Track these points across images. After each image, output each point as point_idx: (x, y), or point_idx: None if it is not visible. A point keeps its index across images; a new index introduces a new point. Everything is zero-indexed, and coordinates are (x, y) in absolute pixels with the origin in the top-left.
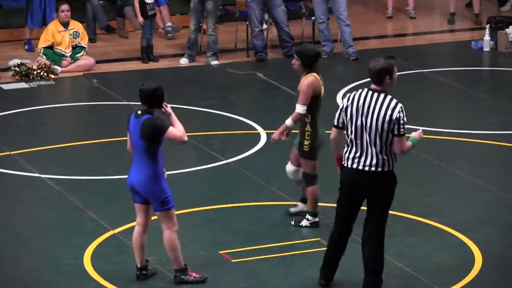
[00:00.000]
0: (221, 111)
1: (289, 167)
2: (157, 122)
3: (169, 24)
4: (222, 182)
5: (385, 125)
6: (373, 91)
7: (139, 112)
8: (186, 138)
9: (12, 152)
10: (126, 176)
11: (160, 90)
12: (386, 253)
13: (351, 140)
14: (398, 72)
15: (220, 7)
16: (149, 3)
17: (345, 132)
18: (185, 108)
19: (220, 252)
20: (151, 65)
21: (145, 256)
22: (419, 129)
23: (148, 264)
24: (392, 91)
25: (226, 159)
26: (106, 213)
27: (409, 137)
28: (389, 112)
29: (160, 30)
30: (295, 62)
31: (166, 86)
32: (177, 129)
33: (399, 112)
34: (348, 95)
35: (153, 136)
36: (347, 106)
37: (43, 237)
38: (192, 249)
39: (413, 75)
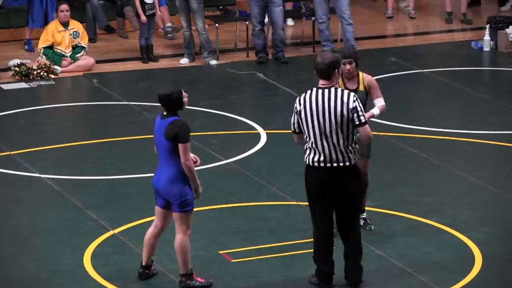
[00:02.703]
0: (221, 111)
1: None
2: (184, 128)
3: (169, 24)
4: (222, 182)
5: (344, 118)
6: (323, 88)
7: (165, 113)
8: (188, 163)
9: (12, 152)
10: (126, 176)
11: (176, 93)
12: (386, 253)
13: (311, 143)
14: (397, 72)
15: (220, 7)
16: (148, 3)
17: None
18: (186, 108)
19: (220, 252)
20: (151, 65)
21: (152, 256)
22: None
23: (152, 264)
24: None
25: (226, 159)
26: (106, 213)
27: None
28: (344, 105)
29: (160, 30)
30: (351, 66)
31: None
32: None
33: (353, 101)
34: (299, 98)
35: (176, 138)
36: (300, 110)
37: (43, 237)
38: (192, 249)
39: (413, 75)
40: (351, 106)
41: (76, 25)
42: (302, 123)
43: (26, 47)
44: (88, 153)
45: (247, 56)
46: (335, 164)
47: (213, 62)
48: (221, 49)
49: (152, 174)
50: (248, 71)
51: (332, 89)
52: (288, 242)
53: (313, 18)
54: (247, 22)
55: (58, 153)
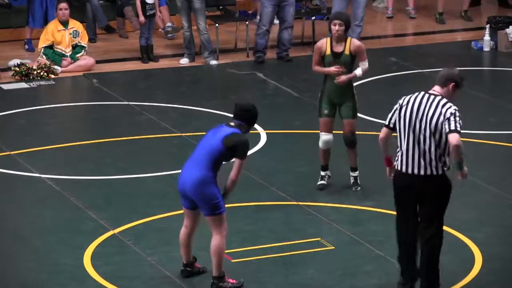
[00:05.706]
0: (221, 111)
1: (330, 136)
2: (245, 145)
3: (169, 24)
4: (222, 182)
5: (437, 127)
6: (431, 94)
7: (232, 123)
8: (237, 180)
9: (12, 152)
10: (126, 176)
11: (255, 110)
12: (387, 254)
13: (401, 142)
14: (398, 72)
15: (220, 7)
16: (149, 3)
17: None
18: (186, 108)
19: None
20: (151, 65)
21: (191, 253)
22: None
23: (195, 261)
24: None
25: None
26: (106, 213)
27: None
28: (440, 115)
29: (160, 30)
30: (340, 28)
31: (166, 86)
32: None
33: (450, 113)
34: (404, 97)
35: (234, 150)
36: (402, 106)
37: (43, 237)
38: (193, 248)
39: (413, 75)
40: (446, 117)
41: (75, 25)
42: (399, 122)
43: (26, 47)
44: (88, 153)
45: (247, 56)
46: (422, 172)
47: (213, 62)
48: (221, 49)
49: (152, 174)
50: (248, 71)
51: (438, 98)
52: (288, 242)
53: (313, 18)
54: (247, 22)
55: (58, 153)
